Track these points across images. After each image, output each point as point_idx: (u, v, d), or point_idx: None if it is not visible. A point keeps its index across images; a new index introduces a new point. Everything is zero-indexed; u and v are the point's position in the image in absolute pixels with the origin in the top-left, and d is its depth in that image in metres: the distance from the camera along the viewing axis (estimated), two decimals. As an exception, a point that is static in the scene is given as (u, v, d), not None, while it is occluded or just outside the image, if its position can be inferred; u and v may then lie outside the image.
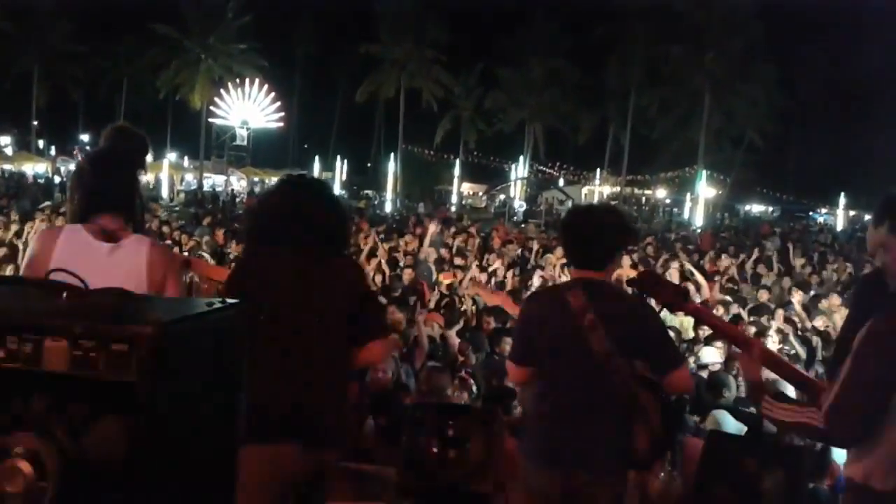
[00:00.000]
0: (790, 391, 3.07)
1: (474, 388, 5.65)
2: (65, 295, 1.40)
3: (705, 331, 7.24)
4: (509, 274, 10.88)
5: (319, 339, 2.70)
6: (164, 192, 33.19)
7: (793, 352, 7.54)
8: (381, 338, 2.93)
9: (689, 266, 11.40)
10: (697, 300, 9.09)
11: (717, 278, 11.60)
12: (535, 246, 14.06)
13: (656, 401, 2.90)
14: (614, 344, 2.82)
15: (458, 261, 11.95)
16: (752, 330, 7.80)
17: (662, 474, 4.42)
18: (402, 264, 10.82)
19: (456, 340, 7.23)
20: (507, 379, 4.81)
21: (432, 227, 13.01)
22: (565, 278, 8.21)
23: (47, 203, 16.41)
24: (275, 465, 2.60)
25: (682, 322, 8.16)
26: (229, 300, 1.59)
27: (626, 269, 11.04)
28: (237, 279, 2.86)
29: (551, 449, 2.95)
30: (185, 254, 9.25)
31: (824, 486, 4.35)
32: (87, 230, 2.58)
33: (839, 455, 4.59)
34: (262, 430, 2.52)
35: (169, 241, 11.47)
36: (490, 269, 11.27)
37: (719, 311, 8.84)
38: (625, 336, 2.85)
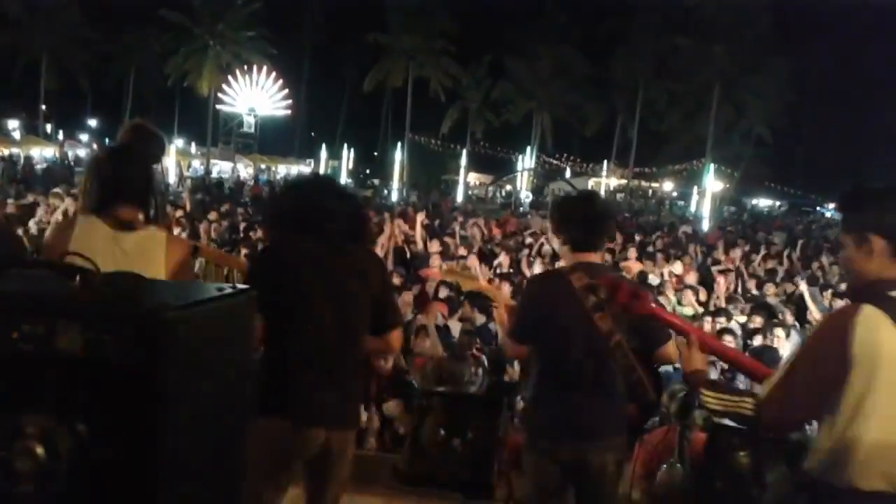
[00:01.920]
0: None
1: (480, 372, 5.66)
2: (77, 278, 1.41)
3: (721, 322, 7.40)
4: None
5: (339, 325, 2.78)
6: (172, 179, 33.21)
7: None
8: (399, 326, 3.05)
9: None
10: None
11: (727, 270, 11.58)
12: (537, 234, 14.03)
13: (650, 374, 3.12)
14: (614, 322, 3.01)
15: (461, 251, 11.92)
16: (759, 320, 7.84)
17: (665, 466, 4.43)
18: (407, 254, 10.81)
19: (457, 329, 7.22)
20: (506, 354, 4.86)
21: (419, 218, 12.72)
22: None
23: (57, 190, 16.39)
24: (284, 441, 2.71)
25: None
26: (239, 286, 1.60)
27: (632, 262, 11.02)
28: (260, 266, 2.95)
29: (561, 423, 3.10)
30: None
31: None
32: (101, 219, 2.59)
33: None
34: (278, 410, 2.64)
35: (177, 228, 11.48)
36: (496, 262, 11.25)
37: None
38: (622, 315, 3.01)
